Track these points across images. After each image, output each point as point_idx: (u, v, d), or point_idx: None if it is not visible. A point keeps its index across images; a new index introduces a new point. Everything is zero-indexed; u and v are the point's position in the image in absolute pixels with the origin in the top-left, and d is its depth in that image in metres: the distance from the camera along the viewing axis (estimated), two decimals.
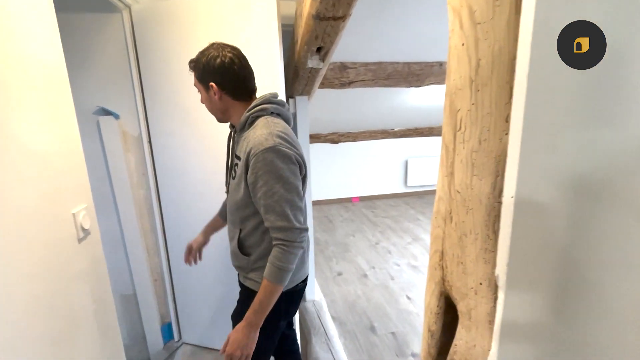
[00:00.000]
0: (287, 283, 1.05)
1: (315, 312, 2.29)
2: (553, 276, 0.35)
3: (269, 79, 1.53)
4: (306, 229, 1.00)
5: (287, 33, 1.88)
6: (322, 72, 1.84)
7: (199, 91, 1.09)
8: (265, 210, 0.96)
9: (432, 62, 2.68)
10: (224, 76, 1.02)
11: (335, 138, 4.91)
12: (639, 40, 0.32)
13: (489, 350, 0.43)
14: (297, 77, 1.88)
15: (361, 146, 5.14)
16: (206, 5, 1.51)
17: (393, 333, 2.20)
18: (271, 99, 1.07)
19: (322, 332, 2.12)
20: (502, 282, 0.36)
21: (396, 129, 5.01)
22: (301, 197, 1.02)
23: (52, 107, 0.90)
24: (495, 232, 0.42)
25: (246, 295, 1.14)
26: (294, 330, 1.55)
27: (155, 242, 1.95)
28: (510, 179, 0.35)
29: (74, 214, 0.94)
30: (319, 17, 1.27)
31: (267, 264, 0.98)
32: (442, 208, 0.52)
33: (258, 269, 1.08)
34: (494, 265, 0.42)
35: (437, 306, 0.55)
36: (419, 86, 2.77)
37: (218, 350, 1.96)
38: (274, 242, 0.98)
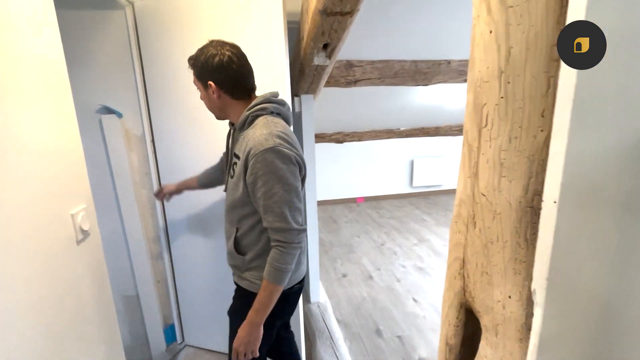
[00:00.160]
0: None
1: (320, 315, 2.26)
2: (601, 293, 0.31)
3: (274, 77, 1.49)
4: (304, 230, 1.00)
5: (293, 30, 1.85)
6: (329, 70, 1.80)
7: (197, 88, 1.08)
8: (264, 211, 0.97)
9: (440, 60, 2.63)
10: (223, 75, 1.01)
11: (340, 137, 4.87)
12: None
13: None
14: (302, 75, 1.84)
15: (366, 146, 5.09)
16: (210, 1, 1.48)
17: (399, 337, 2.16)
18: (271, 98, 1.07)
19: (327, 335, 2.08)
20: (540, 298, 0.32)
21: (402, 129, 4.95)
22: (300, 198, 1.01)
23: (51, 104, 0.87)
24: (528, 240, 0.37)
25: (240, 293, 1.16)
26: (291, 332, 1.53)
27: (158, 243, 1.92)
28: (552, 181, 0.30)
29: (72, 215, 0.91)
30: (326, 13, 1.23)
31: (266, 264, 0.99)
32: (463, 212, 0.47)
33: (253, 268, 1.08)
34: (525, 277, 0.37)
35: (457, 318, 0.51)
36: (427, 85, 2.73)
37: (221, 352, 1.93)
38: (272, 243, 0.99)
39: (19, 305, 0.72)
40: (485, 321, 0.44)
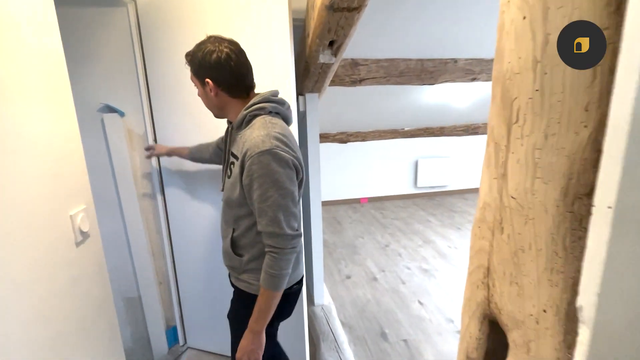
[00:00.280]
0: None
1: (324, 317, 2.22)
2: None
3: (279, 75, 1.46)
4: (299, 235, 0.99)
5: (297, 28, 1.81)
6: (334, 68, 1.77)
7: (195, 85, 1.06)
8: (258, 214, 0.96)
9: (447, 59, 2.59)
10: (220, 72, 0.98)
11: (343, 137, 4.83)
12: None
13: None
14: (307, 74, 1.80)
15: (370, 146, 5.05)
16: None
17: (405, 340, 2.12)
18: (270, 98, 1.04)
19: (331, 338, 2.04)
20: (588, 316, 0.29)
21: (406, 129, 4.91)
22: (296, 202, 0.99)
23: (50, 103, 0.84)
24: (567, 249, 0.34)
25: (238, 295, 1.14)
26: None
27: (160, 243, 1.90)
28: (607, 184, 0.27)
29: (71, 216, 0.88)
30: (332, 8, 1.20)
31: (262, 271, 0.98)
32: (488, 216, 0.44)
33: (250, 270, 1.07)
34: (564, 290, 0.34)
35: (479, 330, 0.47)
36: (433, 84, 2.68)
37: (224, 355, 1.90)
38: (265, 249, 0.97)
39: (15, 311, 0.69)
40: (514, 336, 0.40)
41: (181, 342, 2.02)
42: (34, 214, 0.75)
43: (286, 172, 0.94)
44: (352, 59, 2.45)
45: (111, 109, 1.63)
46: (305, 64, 1.74)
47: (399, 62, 2.49)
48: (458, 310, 2.40)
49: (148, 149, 1.58)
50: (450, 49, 2.52)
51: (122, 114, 1.64)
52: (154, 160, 1.74)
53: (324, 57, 1.59)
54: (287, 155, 0.94)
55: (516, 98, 0.38)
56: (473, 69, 2.64)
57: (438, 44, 2.44)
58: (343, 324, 2.26)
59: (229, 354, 1.36)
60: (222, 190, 1.12)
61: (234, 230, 1.07)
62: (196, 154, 1.46)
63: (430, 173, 5.25)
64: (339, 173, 5.08)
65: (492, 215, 0.43)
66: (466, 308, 0.50)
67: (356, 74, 2.47)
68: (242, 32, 1.46)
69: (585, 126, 0.31)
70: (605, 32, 0.30)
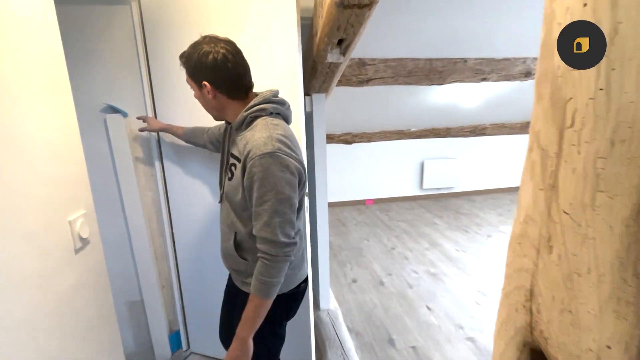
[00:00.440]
0: (289, 284, 1.08)
1: (330, 323, 2.17)
2: None
3: (286, 75, 1.42)
4: (294, 243, 0.95)
5: (304, 26, 1.76)
6: (342, 68, 1.72)
7: (191, 88, 1.03)
8: (254, 217, 0.94)
9: (456, 59, 2.53)
10: (218, 74, 0.95)
11: (349, 138, 4.78)
12: None
13: None
14: (314, 73, 1.76)
15: (375, 147, 5.00)
16: None
17: (414, 347, 2.06)
18: (271, 98, 1.02)
19: (337, 344, 1.99)
20: None
21: (412, 130, 4.85)
22: (294, 209, 0.95)
23: (48, 104, 0.80)
24: (639, 277, 0.28)
25: (244, 299, 1.09)
26: None
27: (163, 246, 1.86)
28: None
29: (70, 222, 0.84)
30: (342, 5, 1.15)
31: (253, 277, 0.95)
32: (532, 232, 0.39)
33: None
34: (636, 325, 0.29)
35: (517, 359, 0.42)
36: (441, 84, 2.63)
37: None
38: (258, 254, 0.95)
39: (11, 322, 0.65)
40: None
41: (184, 347, 1.98)
42: (29, 221, 0.71)
43: (286, 177, 0.91)
44: (359, 59, 2.40)
45: (114, 110, 1.59)
46: (313, 64, 1.70)
47: (407, 61, 2.43)
48: (467, 316, 2.35)
49: (142, 119, 1.55)
50: (459, 48, 2.46)
51: (125, 115, 1.61)
52: (157, 162, 1.71)
53: (332, 57, 1.54)
54: (289, 158, 0.92)
55: (571, 98, 0.33)
56: (483, 69, 2.58)
57: (447, 43, 2.39)
58: (349, 329, 2.21)
59: None
60: (221, 190, 1.10)
61: (236, 234, 1.04)
62: (191, 137, 1.43)
63: (436, 174, 5.19)
64: (344, 174, 5.03)
65: (537, 232, 0.38)
66: (501, 332, 0.45)
67: (363, 74, 2.42)
68: (248, 31, 1.42)
69: None
70: None
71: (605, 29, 0.29)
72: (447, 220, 4.37)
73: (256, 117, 0.99)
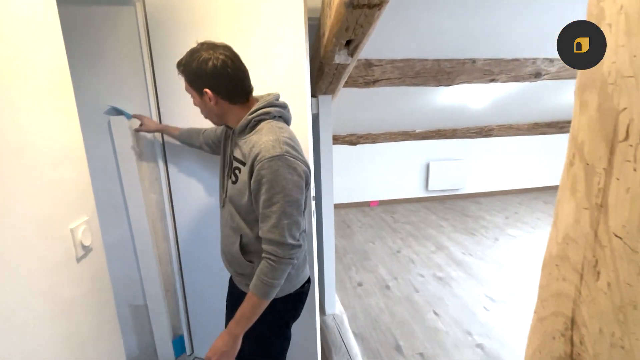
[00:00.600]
0: (294, 284, 1.09)
1: (335, 328, 2.14)
2: None
3: (293, 77, 1.39)
4: (300, 246, 0.96)
5: (312, 27, 1.73)
6: (349, 69, 1.68)
7: (191, 96, 1.03)
8: (262, 219, 0.95)
9: (464, 59, 2.49)
10: (218, 81, 0.96)
11: (353, 139, 4.74)
12: None
13: None
14: (321, 75, 1.72)
15: (380, 148, 4.96)
16: None
17: (421, 354, 2.02)
18: (274, 102, 1.04)
19: (343, 350, 1.96)
20: None
21: (417, 131, 4.80)
22: (301, 211, 0.97)
23: (49, 106, 0.77)
24: None
25: None
26: None
27: (167, 250, 1.83)
28: None
29: (72, 230, 0.81)
30: (352, 5, 1.12)
31: (254, 276, 0.95)
32: (574, 255, 0.35)
33: None
34: None
35: None
36: (449, 85, 2.58)
37: None
38: (263, 255, 0.95)
39: (11, 333, 0.62)
40: None
41: (188, 351, 1.96)
42: (29, 231, 0.68)
43: (294, 180, 0.92)
44: (366, 60, 2.37)
45: (118, 112, 1.57)
46: (320, 65, 1.66)
47: (414, 62, 2.39)
48: (476, 322, 2.30)
49: (136, 117, 1.52)
50: (468, 49, 2.42)
51: (129, 117, 1.58)
52: (161, 165, 1.68)
53: (340, 58, 1.51)
54: (296, 161, 0.94)
55: (625, 109, 0.29)
56: (492, 70, 2.53)
57: (456, 43, 2.34)
58: (355, 335, 2.17)
59: None
60: (225, 194, 1.09)
61: (242, 237, 1.04)
62: (186, 138, 1.44)
63: (442, 176, 5.14)
64: (349, 175, 5.00)
65: (580, 255, 0.34)
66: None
67: (370, 75, 2.38)
68: (255, 31, 1.39)
69: None
70: None
71: None
72: (453, 222, 4.32)
73: (260, 121, 1.00)
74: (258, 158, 0.92)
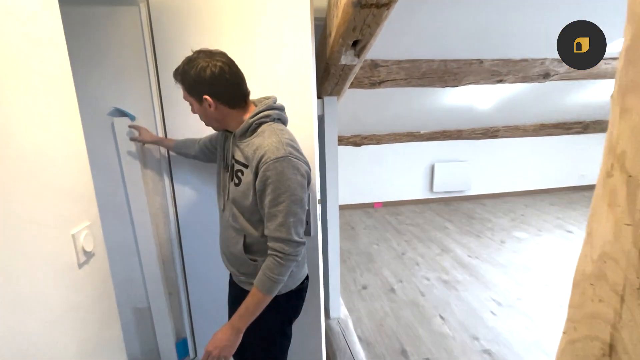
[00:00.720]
0: (295, 280, 1.12)
1: (340, 332, 2.11)
2: None
3: (299, 78, 1.37)
4: (303, 243, 1.00)
5: (317, 27, 1.71)
6: (356, 70, 1.66)
7: (190, 104, 1.06)
8: (268, 218, 0.97)
9: (472, 60, 2.45)
10: (218, 87, 0.98)
11: (358, 140, 4.72)
12: None
13: None
14: (327, 76, 1.70)
15: (385, 149, 4.92)
16: None
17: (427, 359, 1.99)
18: (274, 105, 1.08)
19: (348, 355, 1.93)
20: None
21: (422, 132, 4.76)
22: (305, 209, 1.00)
23: (50, 109, 0.75)
24: None
25: None
26: None
27: (170, 252, 1.82)
28: None
29: (73, 236, 0.79)
30: (360, 4, 1.09)
31: (259, 272, 0.98)
32: (612, 274, 0.32)
33: None
34: None
35: None
36: (456, 86, 2.55)
37: None
38: (269, 252, 0.98)
39: (11, 342, 0.60)
40: None
41: (191, 355, 1.94)
42: (27, 236, 0.66)
43: (298, 180, 0.96)
44: (371, 60, 2.34)
45: (122, 113, 1.55)
46: (325, 66, 1.64)
47: (421, 62, 2.36)
48: (483, 327, 2.26)
49: (132, 127, 1.53)
50: (475, 49, 2.38)
51: (132, 118, 1.57)
52: (165, 167, 1.66)
53: (346, 58, 1.48)
54: (299, 162, 0.98)
55: None
56: (500, 70, 2.49)
57: (463, 43, 2.31)
58: (360, 339, 2.14)
59: None
60: (226, 197, 1.11)
61: (245, 237, 1.06)
62: (182, 148, 1.46)
63: (447, 177, 5.10)
64: (353, 176, 4.97)
65: (620, 275, 0.31)
66: None
67: (375, 76, 2.35)
68: (260, 32, 1.37)
69: None
70: None
71: None
72: (458, 224, 4.28)
73: (261, 124, 1.03)
74: (263, 160, 0.94)
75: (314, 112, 1.39)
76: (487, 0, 2.01)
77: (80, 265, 0.82)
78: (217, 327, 1.78)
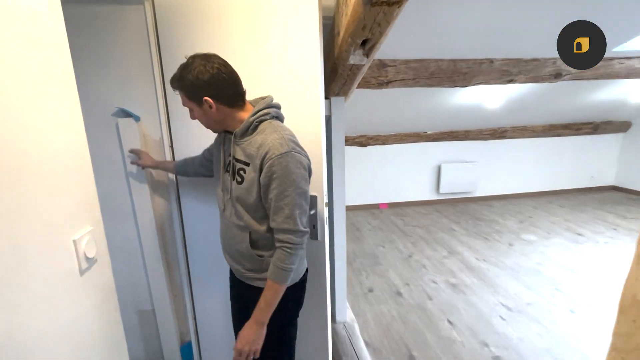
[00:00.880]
0: (299, 272, 1.16)
1: (346, 336, 2.07)
2: None
3: (307, 78, 1.33)
4: (308, 232, 1.07)
5: (325, 26, 1.67)
6: (364, 70, 1.62)
7: (190, 109, 1.08)
8: (274, 212, 1.02)
9: (482, 59, 2.40)
10: (217, 87, 1.01)
11: (363, 141, 4.68)
12: None
13: None
14: (334, 76, 1.66)
15: (391, 150, 4.88)
16: None
17: None
18: (272, 103, 1.11)
19: None
20: None
21: (429, 132, 4.71)
22: (308, 201, 1.06)
23: (52, 110, 0.73)
24: None
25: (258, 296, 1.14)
26: None
27: (175, 254, 1.79)
28: None
29: (75, 241, 0.76)
30: (370, 2, 1.06)
31: (271, 265, 1.04)
32: None
33: None
34: None
35: None
36: (465, 86, 2.50)
37: None
38: (277, 244, 1.03)
39: (12, 353, 0.58)
40: None
41: (196, 358, 1.92)
42: (27, 242, 0.64)
43: (301, 173, 1.01)
44: (379, 60, 2.30)
45: (126, 114, 1.53)
46: (333, 66, 1.60)
47: (429, 62, 2.32)
48: (492, 332, 2.21)
49: (133, 152, 1.54)
50: (485, 48, 2.33)
51: (137, 119, 1.55)
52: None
53: (355, 58, 1.44)
54: (301, 156, 1.02)
55: None
56: (510, 70, 2.44)
57: (473, 42, 2.26)
58: (367, 344, 2.10)
59: None
60: (229, 196, 1.13)
61: (250, 234, 1.10)
62: (181, 168, 1.48)
63: (453, 178, 5.04)
64: (358, 177, 4.93)
65: None
66: None
67: (383, 76, 2.31)
68: (267, 31, 1.34)
69: None
70: None
71: None
72: (465, 226, 4.22)
73: (261, 122, 1.07)
74: (268, 156, 0.98)
75: (321, 113, 1.36)
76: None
77: (81, 273, 0.79)
78: (222, 331, 1.78)
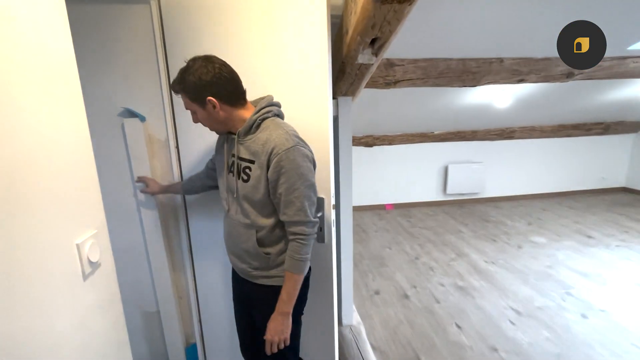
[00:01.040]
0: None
1: (353, 340, 2.04)
2: None
3: (314, 78, 1.31)
4: (318, 222, 1.10)
5: (333, 25, 1.65)
6: (372, 69, 1.59)
7: (193, 111, 1.09)
8: (285, 205, 1.04)
9: (492, 58, 2.35)
10: (220, 87, 1.03)
11: (369, 141, 4.64)
12: None
13: None
14: (342, 75, 1.64)
15: (397, 150, 4.83)
16: None
17: None
18: (273, 102, 1.14)
19: None
20: None
21: (436, 132, 4.66)
22: (316, 192, 1.09)
23: (55, 111, 0.71)
24: None
25: (266, 294, 1.16)
26: None
27: (180, 255, 1.78)
28: None
29: (78, 245, 0.75)
30: (380, 0, 1.03)
31: (287, 258, 1.08)
32: None
33: (280, 263, 1.14)
34: None
35: None
36: (475, 86, 2.45)
37: None
38: (290, 237, 1.07)
39: (6, 358, 0.56)
40: None
41: None
42: (28, 247, 0.62)
43: (308, 166, 1.04)
44: (387, 59, 2.26)
45: (132, 114, 1.52)
46: (341, 65, 1.58)
47: (438, 62, 2.28)
48: (501, 336, 2.17)
49: (140, 181, 1.55)
50: (495, 48, 2.28)
51: (143, 119, 1.53)
52: (175, 168, 1.62)
53: (363, 57, 1.42)
54: (306, 150, 1.05)
55: None
56: (521, 69, 2.38)
57: (482, 41, 2.21)
58: (374, 347, 2.07)
59: None
60: (235, 196, 1.14)
61: (257, 232, 1.11)
62: (188, 186, 1.49)
63: (461, 179, 4.98)
64: (364, 177, 4.89)
65: None
66: None
67: (391, 75, 2.27)
68: (274, 31, 1.32)
69: None
70: None
71: None
72: (473, 228, 4.16)
73: (264, 119, 1.09)
74: (274, 151, 1.01)
75: (329, 113, 1.33)
76: None
77: (85, 277, 0.77)
78: (228, 333, 1.76)
